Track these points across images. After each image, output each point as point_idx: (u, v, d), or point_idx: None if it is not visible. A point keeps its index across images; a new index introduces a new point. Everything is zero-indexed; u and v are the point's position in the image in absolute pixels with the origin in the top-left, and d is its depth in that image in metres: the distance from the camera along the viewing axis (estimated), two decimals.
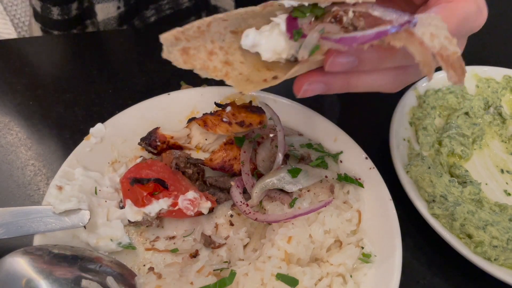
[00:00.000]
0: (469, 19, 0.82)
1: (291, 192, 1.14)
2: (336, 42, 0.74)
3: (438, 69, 1.51)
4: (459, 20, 0.81)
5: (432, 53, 0.72)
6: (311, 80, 0.81)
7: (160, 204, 1.09)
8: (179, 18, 1.79)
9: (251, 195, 1.12)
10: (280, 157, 1.17)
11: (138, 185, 1.10)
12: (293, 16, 0.79)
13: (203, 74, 0.79)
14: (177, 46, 0.78)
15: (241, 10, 0.80)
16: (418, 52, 0.72)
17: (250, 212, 1.08)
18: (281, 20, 0.79)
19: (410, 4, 0.94)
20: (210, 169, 1.21)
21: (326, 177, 1.17)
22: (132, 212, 1.09)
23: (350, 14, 0.75)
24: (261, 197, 1.12)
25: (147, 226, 1.13)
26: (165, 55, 0.78)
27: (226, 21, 0.81)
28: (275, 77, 0.79)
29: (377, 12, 0.76)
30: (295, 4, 0.79)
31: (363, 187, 1.19)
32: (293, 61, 0.80)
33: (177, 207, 1.09)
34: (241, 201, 1.11)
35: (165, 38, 0.78)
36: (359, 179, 1.20)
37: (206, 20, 0.79)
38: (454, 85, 1.48)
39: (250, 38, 0.79)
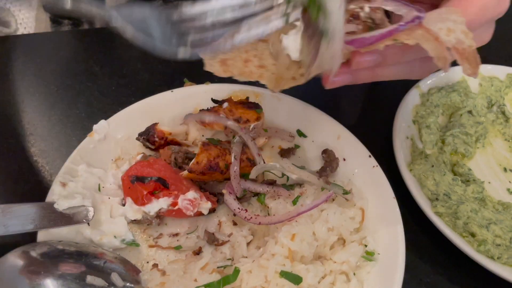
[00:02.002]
0: (488, 9, 0.83)
1: (291, 190, 1.15)
2: (347, 44, 0.78)
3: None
4: (477, 10, 0.82)
5: (447, 47, 0.75)
6: (338, 72, 0.83)
7: (160, 203, 1.09)
8: None
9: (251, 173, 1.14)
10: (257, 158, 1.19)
11: (139, 184, 1.10)
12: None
13: (241, 79, 0.87)
14: (216, 58, 0.87)
15: None
16: (432, 48, 0.75)
17: (251, 218, 1.08)
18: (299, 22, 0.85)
19: None
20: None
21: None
22: (132, 210, 1.09)
23: (366, 9, 0.80)
24: (259, 171, 1.15)
25: (147, 225, 1.13)
26: (207, 67, 0.86)
27: None
28: (302, 74, 0.85)
29: (389, 7, 0.80)
30: None
31: (347, 194, 1.16)
32: None
33: (177, 207, 1.09)
34: (239, 208, 1.10)
35: None
36: (350, 190, 1.18)
37: None
38: (469, 77, 1.45)
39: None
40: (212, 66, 0.86)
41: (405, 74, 0.90)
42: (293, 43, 0.85)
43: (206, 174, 1.13)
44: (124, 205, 1.12)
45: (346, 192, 1.15)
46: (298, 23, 0.85)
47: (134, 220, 1.11)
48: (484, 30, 0.89)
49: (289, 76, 0.86)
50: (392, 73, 0.89)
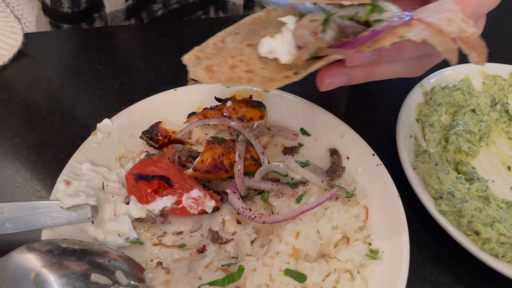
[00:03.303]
0: (484, 1, 0.83)
1: (295, 189, 1.14)
2: (338, 48, 0.77)
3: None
4: (475, 2, 0.81)
5: (451, 38, 0.73)
6: (333, 72, 0.82)
7: (164, 202, 1.09)
8: (186, 12, 1.78)
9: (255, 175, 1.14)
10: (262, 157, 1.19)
11: (143, 182, 1.10)
12: (300, 16, 0.82)
13: (229, 85, 0.83)
14: (200, 65, 0.83)
15: (248, 18, 0.87)
16: (439, 42, 0.73)
17: (255, 217, 1.08)
18: (289, 20, 0.83)
19: None
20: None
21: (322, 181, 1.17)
22: (136, 209, 1.09)
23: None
24: (263, 173, 1.14)
25: (151, 223, 1.13)
26: (191, 75, 0.82)
27: (238, 34, 0.87)
28: (296, 73, 0.82)
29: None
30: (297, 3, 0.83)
31: (351, 196, 1.16)
32: (311, 58, 0.82)
33: (181, 205, 1.09)
34: (243, 207, 1.10)
35: (188, 59, 0.84)
36: (354, 189, 1.19)
37: (219, 35, 0.87)
38: (472, 76, 1.51)
39: (266, 45, 0.84)
40: (196, 73, 0.83)
41: (402, 72, 0.88)
42: (281, 46, 0.83)
43: (210, 173, 1.13)
44: (128, 203, 1.12)
45: (349, 195, 1.15)
46: (284, 19, 0.84)
47: (138, 218, 1.11)
48: (477, 23, 0.89)
49: (281, 76, 0.83)
50: (389, 71, 0.87)
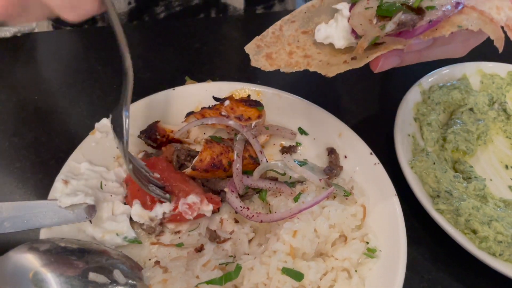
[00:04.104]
0: None
1: (293, 188, 1.15)
2: (396, 36, 0.81)
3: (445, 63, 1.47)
4: None
5: (500, 26, 0.77)
6: (387, 55, 0.86)
7: (163, 207, 1.09)
8: (188, 15, 1.79)
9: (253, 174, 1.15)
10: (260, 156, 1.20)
11: None
12: (353, 2, 0.87)
13: (288, 70, 0.89)
14: (260, 53, 0.90)
15: (303, 7, 0.93)
16: (492, 30, 0.77)
17: (253, 216, 1.08)
18: (343, 6, 0.88)
19: None
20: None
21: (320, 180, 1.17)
22: (139, 214, 1.09)
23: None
24: (261, 172, 1.15)
25: (149, 234, 1.12)
26: (253, 63, 0.90)
27: (294, 22, 0.93)
28: (353, 58, 0.87)
29: None
30: None
31: (348, 195, 1.16)
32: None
33: (177, 211, 1.09)
34: (241, 206, 1.10)
35: (249, 48, 0.91)
36: (351, 188, 1.19)
37: (276, 24, 0.93)
38: (470, 75, 1.53)
39: (322, 31, 0.89)
40: (258, 61, 0.89)
41: (448, 54, 0.94)
42: (336, 32, 0.87)
43: (209, 172, 1.13)
44: (125, 203, 1.12)
45: (347, 194, 1.15)
46: (339, 6, 0.87)
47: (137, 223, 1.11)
48: None
49: (339, 61, 0.88)
50: (437, 54, 0.93)
